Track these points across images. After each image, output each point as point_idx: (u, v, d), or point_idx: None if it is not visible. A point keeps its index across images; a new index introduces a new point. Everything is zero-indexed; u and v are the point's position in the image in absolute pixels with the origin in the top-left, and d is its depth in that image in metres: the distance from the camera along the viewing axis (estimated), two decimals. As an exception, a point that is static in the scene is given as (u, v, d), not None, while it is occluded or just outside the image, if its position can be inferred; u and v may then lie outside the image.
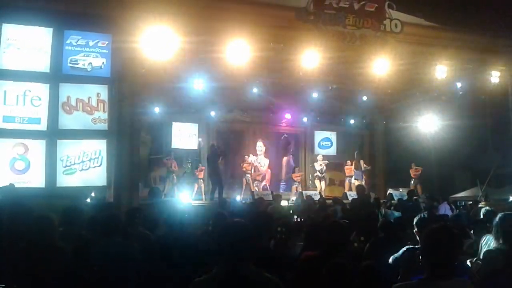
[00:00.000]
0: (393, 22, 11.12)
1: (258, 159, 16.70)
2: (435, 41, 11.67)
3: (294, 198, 14.39)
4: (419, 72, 12.35)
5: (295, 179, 16.33)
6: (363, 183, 15.63)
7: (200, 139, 16.25)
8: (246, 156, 15.99)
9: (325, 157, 16.75)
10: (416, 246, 3.77)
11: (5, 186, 5.96)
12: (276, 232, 4.76)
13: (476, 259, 4.55)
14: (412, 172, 15.72)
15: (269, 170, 16.94)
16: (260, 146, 17.06)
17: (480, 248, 4.73)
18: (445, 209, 10.31)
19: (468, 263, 4.25)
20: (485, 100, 13.70)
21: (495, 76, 12.64)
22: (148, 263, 4.14)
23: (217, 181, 12.92)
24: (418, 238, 4.00)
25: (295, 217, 9.38)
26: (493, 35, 11.84)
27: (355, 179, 16.14)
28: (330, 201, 11.42)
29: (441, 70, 12.02)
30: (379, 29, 11.10)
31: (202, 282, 2.59)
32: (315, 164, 16.46)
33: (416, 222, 4.38)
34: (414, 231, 4.37)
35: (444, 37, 11.71)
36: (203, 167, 14.82)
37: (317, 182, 16.18)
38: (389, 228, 4.99)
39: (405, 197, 12.03)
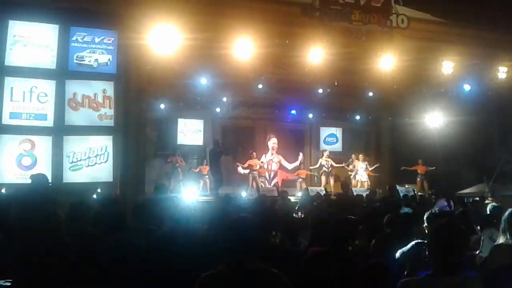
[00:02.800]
0: (399, 17, 11.04)
1: (270, 156, 16.74)
2: (441, 37, 11.59)
3: (299, 194, 14.37)
4: (426, 68, 12.27)
5: (301, 175, 16.30)
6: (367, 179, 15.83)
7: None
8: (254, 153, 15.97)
9: (330, 153, 16.67)
10: (423, 241, 3.76)
11: (37, 174, 5.93)
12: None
13: (479, 253, 4.55)
14: (418, 169, 15.66)
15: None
16: (274, 143, 17.04)
17: (482, 243, 4.73)
18: (442, 205, 10.08)
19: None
20: (492, 96, 13.60)
21: (502, 72, 12.55)
22: (154, 259, 4.14)
23: (217, 176, 12.90)
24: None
25: (300, 213, 9.37)
26: (501, 30, 11.73)
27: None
28: (335, 197, 11.42)
29: (448, 66, 11.94)
30: (385, 24, 11.02)
31: (209, 277, 2.59)
32: (320, 159, 16.40)
33: (427, 218, 4.40)
34: (424, 226, 4.39)
35: (451, 33, 11.62)
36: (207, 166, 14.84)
37: (323, 178, 16.11)
38: (395, 224, 4.97)
39: (411, 193, 11.98)
